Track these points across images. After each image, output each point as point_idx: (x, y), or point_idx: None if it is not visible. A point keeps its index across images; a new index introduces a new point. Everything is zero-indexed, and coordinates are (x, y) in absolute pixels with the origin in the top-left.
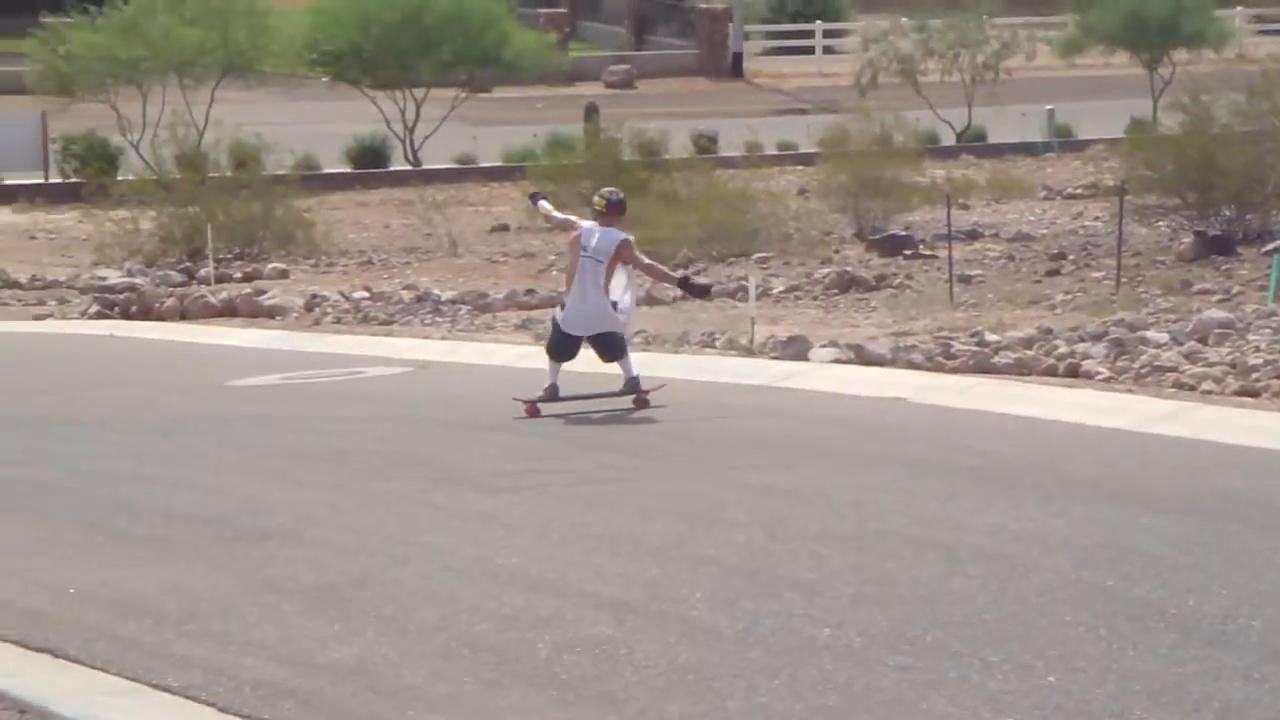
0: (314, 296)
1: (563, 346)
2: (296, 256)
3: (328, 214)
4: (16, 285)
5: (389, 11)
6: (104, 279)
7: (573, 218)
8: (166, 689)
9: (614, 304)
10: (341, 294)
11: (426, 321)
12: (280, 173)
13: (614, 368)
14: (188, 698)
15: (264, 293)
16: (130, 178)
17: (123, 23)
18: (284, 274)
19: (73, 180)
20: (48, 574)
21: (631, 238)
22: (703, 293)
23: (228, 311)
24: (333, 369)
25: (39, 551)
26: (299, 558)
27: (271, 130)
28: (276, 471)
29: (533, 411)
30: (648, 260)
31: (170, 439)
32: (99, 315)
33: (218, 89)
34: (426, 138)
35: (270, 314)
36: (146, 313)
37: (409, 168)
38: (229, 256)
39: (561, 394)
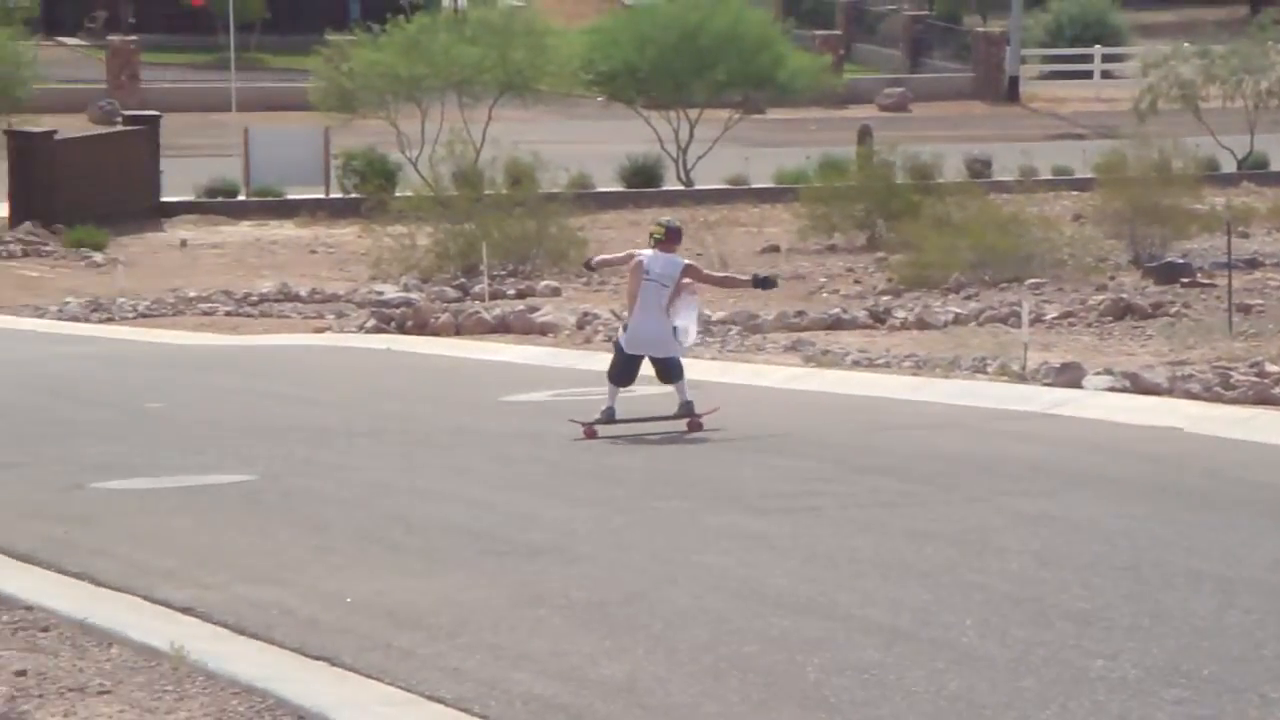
0: (585, 314)
1: (624, 370)
2: (569, 274)
3: (600, 232)
4: (297, 298)
5: (665, 32)
6: (381, 294)
7: (629, 251)
8: (440, 700)
9: (674, 328)
10: (613, 312)
11: (697, 341)
12: (554, 191)
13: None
14: (461, 710)
15: (537, 310)
16: (408, 194)
17: (405, 41)
18: (556, 291)
19: (352, 196)
20: (325, 583)
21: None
22: (773, 284)
23: (501, 328)
24: (603, 386)
25: (317, 560)
26: (569, 573)
27: (546, 148)
28: (547, 487)
29: (590, 434)
30: (719, 274)
31: (444, 453)
32: (376, 329)
33: (495, 107)
34: (699, 158)
35: (542, 331)
36: (422, 328)
37: (681, 187)
38: (503, 273)
39: (618, 416)
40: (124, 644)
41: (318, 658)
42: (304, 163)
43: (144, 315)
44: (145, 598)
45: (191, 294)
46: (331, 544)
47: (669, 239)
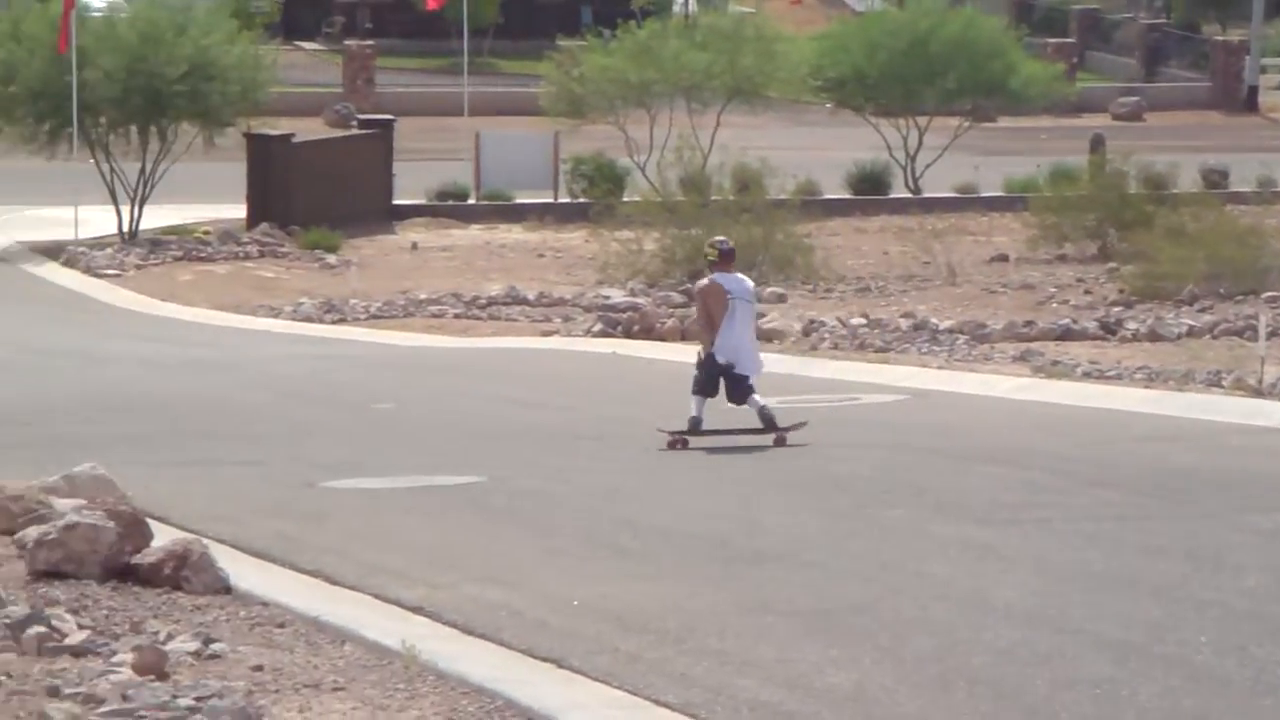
0: (811, 321)
1: (711, 382)
2: (794, 281)
3: (826, 239)
4: (525, 302)
5: (895, 39)
6: (607, 298)
7: (707, 302)
8: (666, 705)
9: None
10: (839, 320)
11: (924, 350)
12: (781, 197)
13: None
14: (687, 715)
15: (762, 316)
16: (635, 199)
17: (635, 46)
18: (782, 298)
19: (580, 200)
20: (552, 585)
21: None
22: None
23: None
24: (828, 394)
25: (544, 562)
26: (795, 581)
27: (774, 155)
28: (772, 494)
29: (679, 443)
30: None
31: (668, 457)
32: (602, 333)
33: (723, 113)
34: (928, 166)
35: (767, 337)
36: (648, 332)
37: (909, 195)
38: None
39: (705, 427)
40: (357, 642)
41: (545, 659)
42: (533, 167)
43: (375, 317)
44: (377, 596)
45: (421, 296)
46: (559, 546)
47: (723, 260)
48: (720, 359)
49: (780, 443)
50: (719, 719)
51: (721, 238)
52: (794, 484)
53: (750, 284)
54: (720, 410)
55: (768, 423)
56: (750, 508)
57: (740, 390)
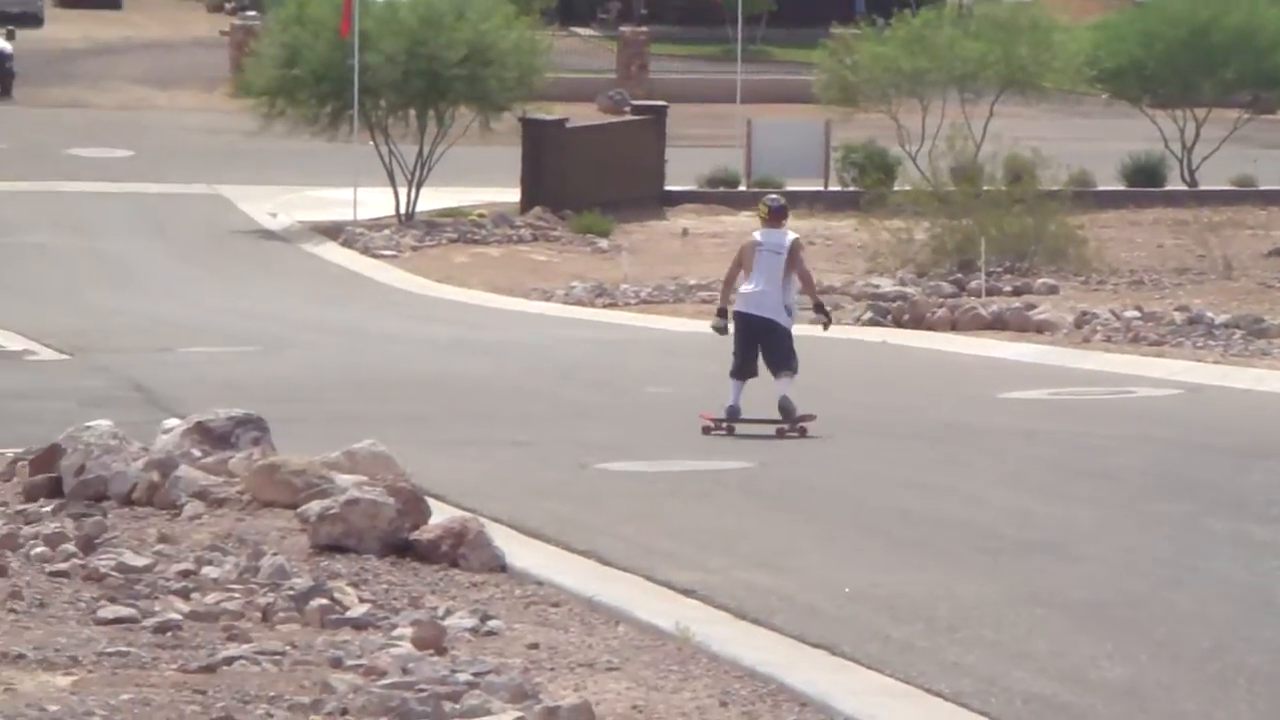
0: (1084, 314)
1: (743, 358)
2: (1066, 273)
3: (1098, 231)
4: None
5: (1174, 29)
6: (877, 287)
7: (739, 256)
8: (939, 694)
9: (785, 306)
10: (1112, 312)
11: (1198, 344)
12: (1054, 189)
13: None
14: (959, 705)
15: (1034, 307)
16: (906, 188)
17: (909, 35)
18: (1053, 289)
19: (851, 189)
20: (824, 572)
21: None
22: (827, 319)
23: (997, 325)
24: (1100, 386)
25: (815, 549)
26: (1067, 573)
27: (1047, 146)
28: (1043, 485)
29: (724, 427)
30: (808, 268)
31: (938, 446)
32: (872, 322)
33: (996, 103)
34: (1205, 158)
35: (1039, 329)
36: (918, 322)
37: (1184, 188)
38: (999, 270)
39: (743, 415)
40: (630, 623)
41: (817, 645)
42: (804, 155)
43: (645, 301)
44: (648, 578)
45: (691, 282)
46: (829, 533)
47: (773, 217)
48: (739, 306)
49: (784, 434)
50: (992, 710)
51: (773, 195)
52: (1065, 475)
53: (788, 238)
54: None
55: (785, 413)
56: (1021, 498)
57: (774, 353)
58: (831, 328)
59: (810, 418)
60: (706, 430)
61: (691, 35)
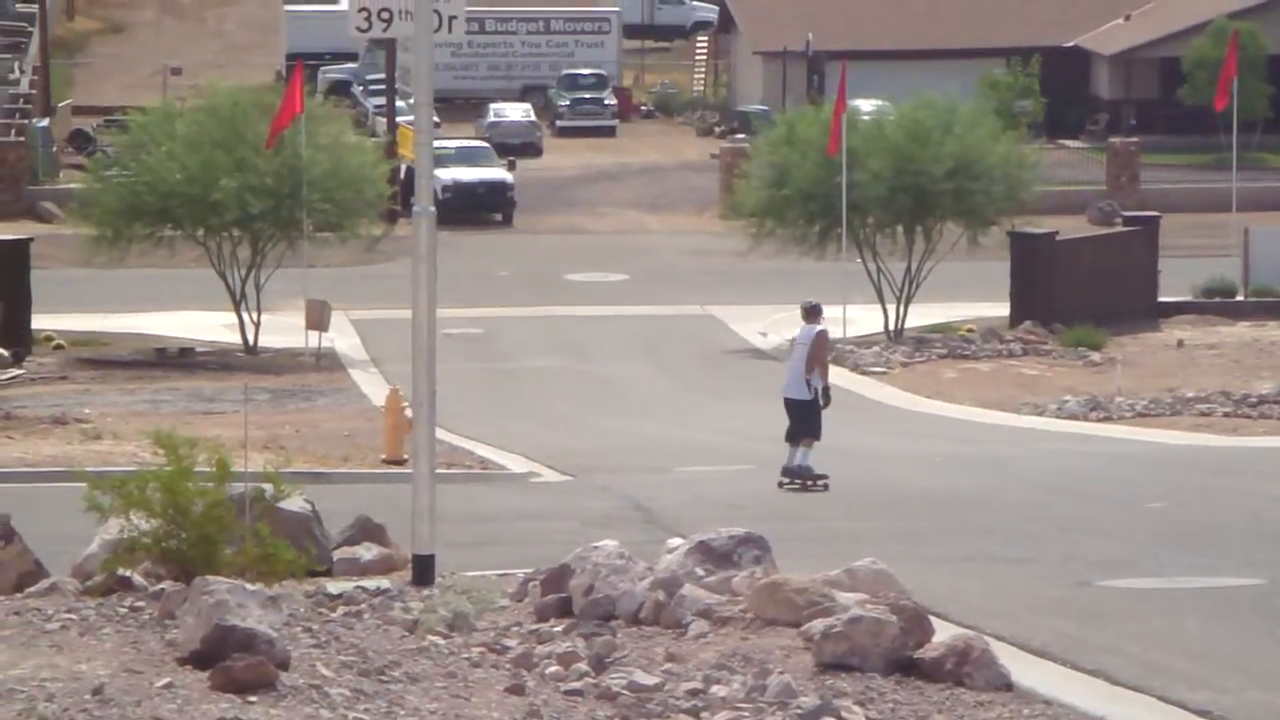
0: None
1: (790, 425)
2: None
3: None
4: None
5: None
6: None
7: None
8: None
9: (806, 381)
10: None
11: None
12: None
13: None
14: None
15: None
16: None
17: None
18: None
19: None
20: None
21: (827, 330)
22: (825, 400)
23: None
24: None
25: None
26: None
27: None
28: None
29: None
30: (826, 358)
31: None
32: None
33: None
34: None
35: None
36: None
37: None
38: None
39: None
40: None
41: None
42: None
43: (1141, 414)
44: (1160, 698)
45: (1189, 394)
46: None
47: (805, 317)
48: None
49: (787, 486)
50: None
51: (809, 300)
52: None
53: (814, 329)
54: None
55: (795, 474)
56: None
57: (796, 423)
58: None
59: (823, 476)
60: (780, 485)
61: (1183, 144)
